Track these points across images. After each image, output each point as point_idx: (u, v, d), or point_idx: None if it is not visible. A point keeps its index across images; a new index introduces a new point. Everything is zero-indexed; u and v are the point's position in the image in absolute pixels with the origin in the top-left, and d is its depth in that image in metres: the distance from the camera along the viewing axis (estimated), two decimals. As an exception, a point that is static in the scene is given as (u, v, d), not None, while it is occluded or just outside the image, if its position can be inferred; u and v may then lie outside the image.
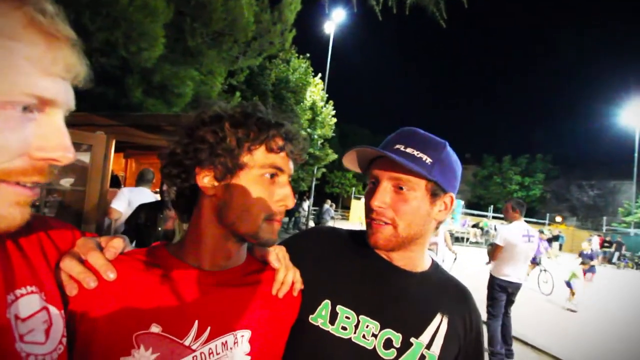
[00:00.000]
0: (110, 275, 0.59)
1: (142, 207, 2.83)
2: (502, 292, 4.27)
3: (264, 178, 0.67)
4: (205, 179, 0.67)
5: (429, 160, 0.80)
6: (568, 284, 8.08)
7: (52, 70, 0.42)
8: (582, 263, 8.76)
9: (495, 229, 4.98)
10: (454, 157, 0.86)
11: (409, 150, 0.80)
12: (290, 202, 0.70)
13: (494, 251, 4.31)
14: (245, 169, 0.66)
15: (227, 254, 0.71)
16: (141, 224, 2.63)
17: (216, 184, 0.67)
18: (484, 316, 4.51)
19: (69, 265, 0.57)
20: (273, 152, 0.68)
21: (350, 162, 0.88)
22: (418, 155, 0.80)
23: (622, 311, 8.21)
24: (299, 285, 0.80)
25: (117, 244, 0.63)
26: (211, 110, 0.69)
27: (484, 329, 3.65)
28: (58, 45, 0.43)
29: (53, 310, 0.52)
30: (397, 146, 0.82)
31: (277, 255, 0.79)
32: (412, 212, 0.80)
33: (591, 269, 8.66)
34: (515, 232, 4.21)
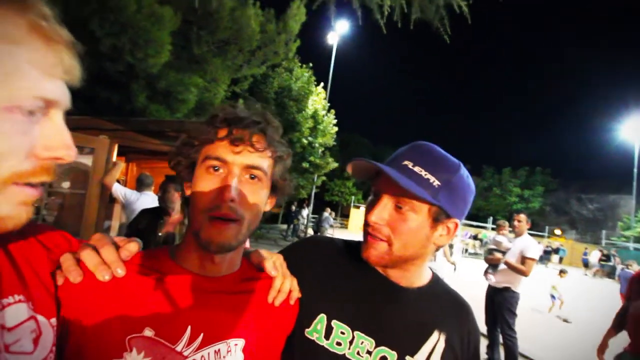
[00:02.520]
0: (120, 272, 0.58)
1: (144, 213, 2.84)
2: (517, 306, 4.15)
3: (208, 171, 0.65)
4: (184, 184, 0.70)
5: (436, 182, 0.74)
6: (552, 297, 8.30)
7: (54, 73, 0.44)
8: (561, 272, 8.99)
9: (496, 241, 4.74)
10: (466, 181, 0.79)
11: (416, 168, 0.75)
12: (226, 194, 0.62)
13: (529, 267, 3.99)
14: (196, 167, 0.67)
15: (210, 259, 0.67)
16: (142, 229, 2.64)
17: (188, 186, 0.69)
18: (489, 333, 4.36)
19: (87, 256, 0.58)
20: (210, 142, 0.65)
21: (355, 172, 0.84)
22: (425, 176, 0.74)
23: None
24: (296, 294, 0.78)
25: (134, 248, 0.62)
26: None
27: (510, 350, 3.51)
28: (58, 48, 0.44)
29: (42, 319, 0.51)
30: (405, 162, 0.77)
31: (275, 263, 0.77)
32: (410, 233, 0.76)
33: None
34: (538, 245, 4.17)
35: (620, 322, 2.80)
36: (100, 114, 4.46)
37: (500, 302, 4.21)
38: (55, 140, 0.45)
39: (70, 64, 0.46)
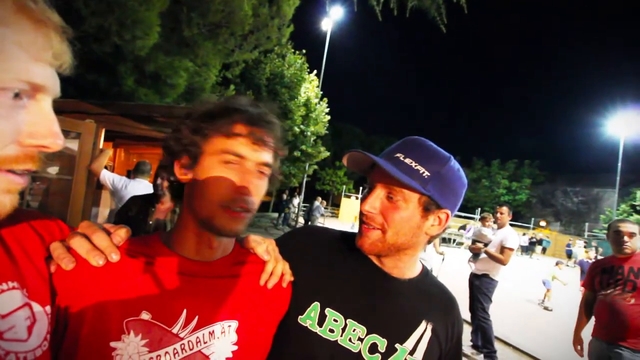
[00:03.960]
0: (114, 256, 0.60)
1: (134, 200, 2.79)
2: (493, 292, 4.47)
3: (223, 165, 0.67)
4: (177, 168, 0.71)
5: (426, 173, 0.78)
6: (545, 282, 8.51)
7: (42, 57, 0.42)
8: (558, 263, 9.27)
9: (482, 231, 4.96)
10: (457, 173, 0.83)
11: (407, 160, 0.79)
12: (247, 190, 0.67)
13: (507, 256, 4.29)
14: (206, 156, 0.68)
15: (208, 244, 0.70)
16: (132, 216, 2.60)
17: (187, 172, 0.70)
18: (472, 319, 4.61)
19: (77, 243, 0.58)
20: (230, 137, 0.67)
21: (350, 164, 0.87)
22: (415, 167, 0.78)
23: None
24: (288, 277, 0.81)
25: (124, 234, 0.64)
26: (195, 105, 0.72)
27: (484, 331, 3.68)
28: (47, 32, 0.43)
29: (36, 306, 0.51)
30: (397, 155, 0.81)
31: (267, 248, 0.80)
32: (401, 221, 0.80)
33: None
34: (517, 236, 4.45)
35: (587, 312, 2.90)
36: (86, 97, 4.33)
37: (478, 286, 4.51)
38: (42, 127, 0.44)
39: (60, 49, 0.44)
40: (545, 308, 8.19)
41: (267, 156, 0.70)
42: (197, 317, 0.65)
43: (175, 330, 0.63)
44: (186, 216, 0.71)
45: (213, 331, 0.66)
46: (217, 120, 0.68)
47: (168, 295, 0.64)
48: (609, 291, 2.57)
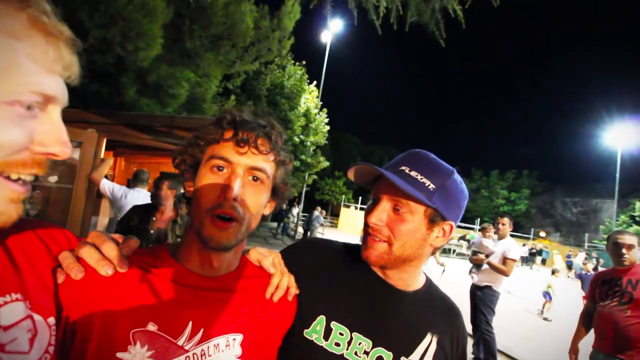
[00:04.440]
0: (122, 268, 0.61)
1: (135, 209, 2.80)
2: (496, 304, 4.40)
3: (212, 171, 0.66)
4: (186, 183, 0.72)
5: (431, 186, 0.79)
6: (545, 295, 8.49)
7: (54, 69, 0.44)
8: (553, 271, 9.25)
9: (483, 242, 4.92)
10: (460, 186, 0.84)
11: (413, 173, 0.80)
12: (229, 193, 0.63)
13: (510, 267, 4.23)
14: (200, 165, 0.69)
15: (209, 263, 0.69)
16: (134, 225, 2.60)
17: (191, 186, 0.70)
18: (474, 331, 4.53)
19: (87, 252, 0.58)
20: (216, 143, 0.67)
21: (355, 176, 0.87)
22: (421, 180, 0.79)
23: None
24: (294, 290, 0.81)
25: (134, 244, 0.64)
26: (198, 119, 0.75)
27: (488, 344, 3.60)
28: (58, 44, 0.44)
29: (38, 318, 0.51)
30: (402, 167, 0.81)
31: (273, 261, 0.80)
32: (408, 234, 0.80)
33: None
34: (519, 247, 4.40)
35: (587, 323, 2.88)
36: (89, 107, 4.36)
37: (480, 298, 4.45)
38: (51, 136, 0.45)
39: (69, 61, 0.46)
40: (545, 319, 8.15)
41: (257, 160, 0.67)
42: (202, 329, 0.65)
43: (180, 343, 0.63)
44: (190, 230, 0.71)
45: (218, 344, 0.67)
46: (209, 130, 0.68)
47: (174, 307, 0.64)
48: (607, 302, 2.56)
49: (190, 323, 0.64)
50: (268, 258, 0.80)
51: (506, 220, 4.57)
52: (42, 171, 0.46)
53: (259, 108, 0.75)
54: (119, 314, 0.60)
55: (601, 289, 2.65)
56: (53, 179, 3.63)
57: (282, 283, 0.78)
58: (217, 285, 0.70)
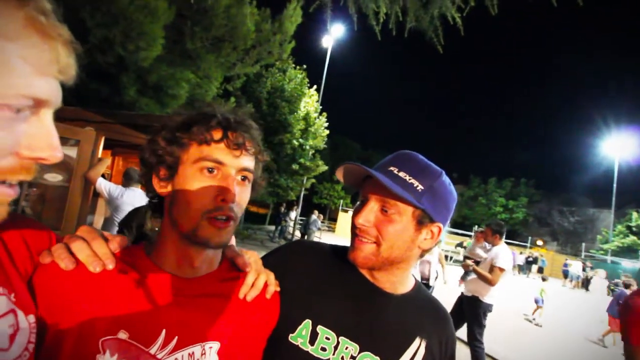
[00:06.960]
0: (110, 265, 0.60)
1: (137, 210, 2.78)
2: (486, 316, 4.11)
3: (202, 172, 0.64)
4: (155, 182, 0.68)
5: (420, 187, 0.78)
6: (537, 300, 8.56)
7: (48, 71, 0.42)
8: (544, 279, 9.38)
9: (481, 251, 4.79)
10: (448, 188, 0.83)
11: (401, 174, 0.79)
12: (229, 197, 0.63)
13: (496, 276, 3.91)
14: (185, 165, 0.66)
15: (189, 262, 0.68)
16: (136, 226, 2.58)
17: (165, 185, 0.67)
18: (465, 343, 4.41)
19: (78, 246, 0.58)
20: (207, 144, 0.65)
21: (344, 176, 0.86)
22: (410, 181, 0.78)
23: (588, 330, 8.56)
24: (272, 288, 0.78)
25: (123, 242, 0.63)
26: (170, 115, 0.71)
27: (477, 355, 3.53)
28: (55, 46, 0.43)
29: (21, 314, 0.50)
30: (391, 168, 0.81)
31: (249, 259, 0.77)
32: (396, 235, 0.79)
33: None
34: (511, 255, 4.18)
35: None
36: (88, 105, 4.36)
37: (468, 312, 4.18)
38: (41, 140, 0.44)
39: (66, 63, 0.44)
40: (536, 324, 8.20)
41: (247, 161, 0.68)
42: (176, 337, 0.62)
43: (152, 351, 0.60)
44: (167, 231, 0.68)
45: (193, 353, 0.63)
46: (193, 128, 0.66)
47: (147, 313, 0.61)
48: None
49: (164, 331, 0.61)
50: (242, 256, 0.77)
51: (488, 230, 4.33)
52: (29, 176, 0.44)
53: (260, 111, 0.73)
54: (90, 320, 0.58)
55: None
56: (49, 176, 3.61)
57: (258, 282, 0.75)
58: (194, 288, 0.67)
